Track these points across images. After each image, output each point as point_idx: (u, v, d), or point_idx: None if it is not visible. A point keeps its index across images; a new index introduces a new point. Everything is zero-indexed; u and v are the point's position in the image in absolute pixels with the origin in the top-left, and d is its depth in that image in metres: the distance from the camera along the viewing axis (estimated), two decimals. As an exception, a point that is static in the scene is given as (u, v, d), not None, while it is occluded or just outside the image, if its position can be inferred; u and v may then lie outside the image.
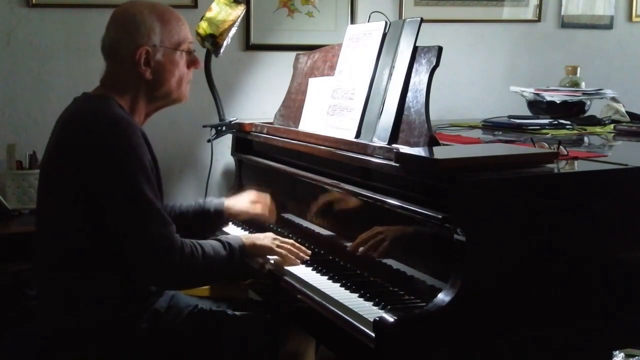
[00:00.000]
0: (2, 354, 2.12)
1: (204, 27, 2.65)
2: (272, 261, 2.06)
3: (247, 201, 2.31)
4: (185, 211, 2.25)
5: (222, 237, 2.00)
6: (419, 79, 1.91)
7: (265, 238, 2.07)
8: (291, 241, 2.10)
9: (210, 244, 1.92)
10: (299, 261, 2.04)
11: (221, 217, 2.28)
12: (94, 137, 1.79)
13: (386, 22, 2.14)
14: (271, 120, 2.67)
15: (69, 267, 1.82)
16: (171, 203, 2.31)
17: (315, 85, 2.40)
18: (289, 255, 2.04)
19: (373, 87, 2.07)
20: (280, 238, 2.10)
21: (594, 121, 2.84)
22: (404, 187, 1.78)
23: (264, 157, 2.58)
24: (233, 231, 2.41)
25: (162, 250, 1.79)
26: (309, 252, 2.08)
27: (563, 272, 1.68)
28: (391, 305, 1.67)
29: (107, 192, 1.77)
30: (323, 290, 1.83)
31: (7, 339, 2.19)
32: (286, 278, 1.98)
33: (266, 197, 2.33)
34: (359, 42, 2.21)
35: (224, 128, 2.76)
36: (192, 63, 2.01)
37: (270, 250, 2.05)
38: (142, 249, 1.79)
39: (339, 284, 1.86)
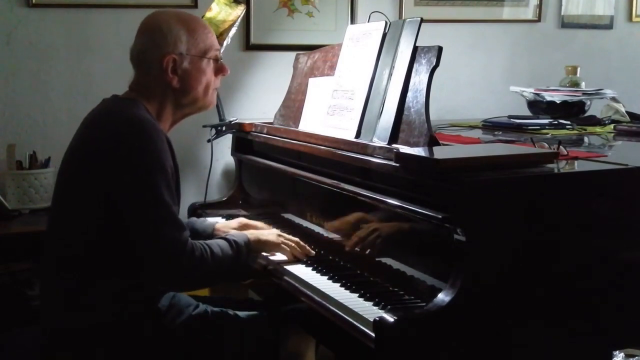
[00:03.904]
0: (4, 354, 2.12)
1: (204, 27, 2.65)
2: (275, 261, 2.06)
3: (236, 226, 2.25)
4: None
5: (229, 236, 2.00)
6: (419, 79, 1.91)
7: (270, 234, 2.09)
8: (296, 239, 2.11)
9: (217, 243, 1.92)
10: (304, 257, 2.05)
11: (209, 239, 2.24)
12: (118, 137, 1.80)
13: (386, 22, 2.14)
14: (271, 120, 2.67)
15: (76, 266, 1.83)
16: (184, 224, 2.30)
17: (315, 85, 2.40)
18: (295, 249, 2.05)
19: (373, 87, 2.07)
20: (285, 235, 2.11)
21: (594, 121, 2.84)
22: (404, 187, 1.78)
23: (264, 157, 2.58)
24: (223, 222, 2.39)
25: (173, 253, 1.79)
26: (313, 252, 2.08)
27: (563, 272, 1.68)
28: (391, 305, 1.67)
29: (126, 192, 1.78)
30: (323, 290, 1.83)
31: (10, 339, 2.19)
32: (286, 278, 1.98)
33: (256, 225, 2.27)
34: (359, 42, 2.21)
35: (224, 128, 2.76)
36: (219, 70, 2.03)
37: (275, 246, 2.06)
38: (155, 251, 1.79)
39: (339, 284, 1.86)
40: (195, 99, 1.99)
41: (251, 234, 2.05)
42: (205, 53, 1.98)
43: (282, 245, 2.06)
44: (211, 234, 2.22)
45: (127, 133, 1.81)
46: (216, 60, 2.02)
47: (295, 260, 2.05)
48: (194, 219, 2.34)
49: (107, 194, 1.79)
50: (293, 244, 2.07)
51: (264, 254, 2.09)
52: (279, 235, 2.09)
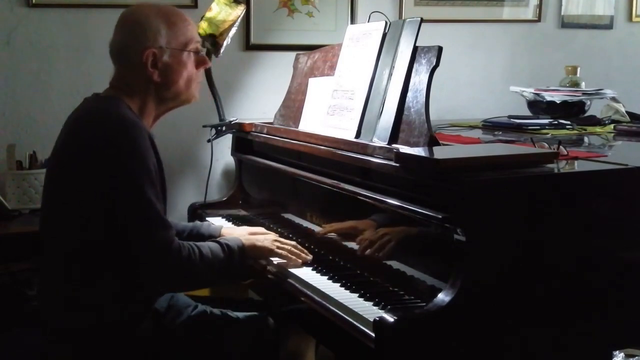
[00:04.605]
0: (4, 354, 2.12)
1: (204, 27, 2.65)
2: (274, 262, 2.06)
3: (243, 233, 2.20)
4: (180, 231, 2.21)
5: (222, 239, 1.99)
6: (419, 79, 1.92)
7: (265, 240, 2.07)
8: (293, 243, 2.10)
9: (208, 245, 1.92)
10: (300, 262, 2.04)
11: None
12: (101, 139, 1.79)
13: (386, 22, 2.14)
14: (271, 120, 2.67)
15: (72, 267, 1.82)
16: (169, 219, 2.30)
17: (315, 85, 2.40)
18: (289, 256, 2.04)
19: (373, 87, 2.07)
20: (282, 239, 2.10)
21: (594, 121, 2.85)
22: (404, 187, 1.78)
23: (264, 157, 2.58)
24: (225, 225, 2.41)
25: (159, 251, 1.79)
26: (311, 256, 2.07)
27: (563, 271, 1.68)
28: (391, 305, 1.67)
29: (111, 194, 1.78)
30: (323, 290, 1.83)
31: (10, 339, 2.19)
32: (286, 278, 1.98)
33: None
34: (359, 42, 2.21)
35: (224, 128, 2.76)
36: (200, 63, 2.01)
37: (271, 252, 2.04)
38: (141, 250, 1.79)
39: (339, 284, 1.86)
40: (178, 93, 1.97)
41: (246, 239, 2.03)
42: (185, 46, 1.96)
43: (278, 251, 2.04)
44: (218, 237, 2.20)
45: (109, 134, 1.79)
46: (197, 52, 2.00)
47: (292, 265, 2.03)
48: (199, 223, 2.33)
49: (95, 195, 1.78)
50: (289, 248, 2.05)
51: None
52: (275, 241, 2.07)
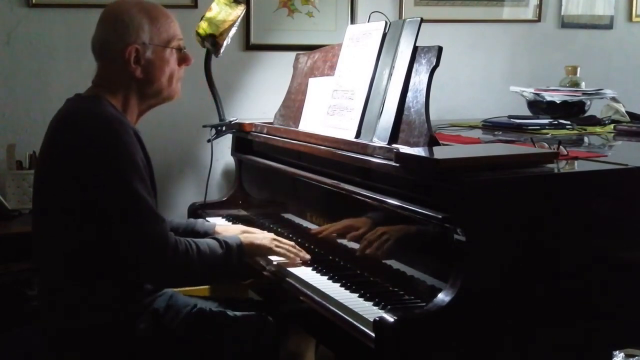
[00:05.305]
0: (4, 354, 2.12)
1: (204, 27, 2.65)
2: (274, 262, 2.06)
3: (237, 231, 2.21)
4: (175, 228, 2.22)
5: (220, 236, 2.00)
6: (419, 79, 1.92)
7: (264, 238, 2.08)
8: (291, 242, 2.10)
9: (206, 242, 1.92)
10: (298, 261, 2.04)
11: None
12: (86, 138, 1.79)
13: (386, 22, 2.14)
14: (271, 120, 2.67)
15: (67, 268, 1.82)
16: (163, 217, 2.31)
17: (315, 85, 2.40)
18: (288, 255, 2.04)
19: (373, 87, 2.07)
20: (280, 239, 2.11)
21: (594, 121, 2.85)
22: (404, 187, 1.78)
23: (264, 157, 2.58)
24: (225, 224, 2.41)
25: (155, 246, 1.79)
26: (309, 256, 2.07)
27: (563, 272, 1.68)
28: (391, 305, 1.67)
29: (100, 192, 1.77)
30: (323, 290, 1.83)
31: (10, 339, 2.19)
32: (286, 278, 1.98)
33: (255, 232, 2.25)
34: (359, 42, 2.21)
35: (224, 128, 2.76)
36: (182, 60, 2.00)
37: (269, 250, 2.05)
38: (136, 246, 1.79)
39: (339, 284, 1.86)
40: (160, 90, 1.96)
41: (245, 237, 2.04)
42: (168, 42, 1.95)
43: (276, 249, 2.05)
44: (213, 235, 2.21)
45: (92, 133, 1.79)
46: (179, 49, 1.99)
47: (290, 264, 2.03)
48: (193, 220, 2.34)
49: (85, 195, 1.77)
50: (288, 247, 2.06)
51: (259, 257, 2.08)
52: (274, 239, 2.07)
